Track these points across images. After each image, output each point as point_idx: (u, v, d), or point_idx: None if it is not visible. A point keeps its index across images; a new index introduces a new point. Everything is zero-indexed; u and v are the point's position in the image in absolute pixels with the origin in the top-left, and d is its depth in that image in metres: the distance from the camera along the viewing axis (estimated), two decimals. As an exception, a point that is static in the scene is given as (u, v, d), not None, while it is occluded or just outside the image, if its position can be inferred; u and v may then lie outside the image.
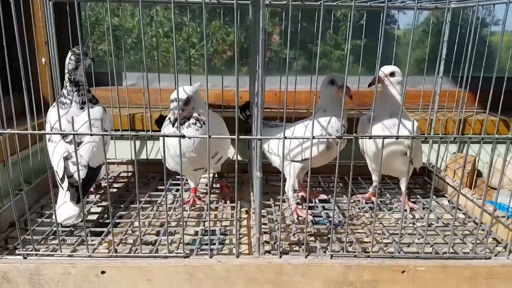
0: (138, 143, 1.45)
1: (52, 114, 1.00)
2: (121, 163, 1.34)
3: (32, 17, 1.23)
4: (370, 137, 0.72)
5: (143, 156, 1.43)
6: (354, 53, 1.51)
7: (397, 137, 0.74)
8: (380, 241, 0.96)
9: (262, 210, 0.95)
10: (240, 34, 1.59)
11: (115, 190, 1.21)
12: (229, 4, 1.26)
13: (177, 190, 1.22)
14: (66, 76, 0.99)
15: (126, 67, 1.58)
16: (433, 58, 1.28)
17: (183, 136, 0.73)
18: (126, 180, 1.29)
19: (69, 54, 0.99)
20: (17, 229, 0.79)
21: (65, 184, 0.90)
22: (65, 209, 0.90)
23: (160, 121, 1.22)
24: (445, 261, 0.82)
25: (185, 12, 1.55)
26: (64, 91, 1.00)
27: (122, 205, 1.09)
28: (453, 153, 1.44)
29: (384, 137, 0.72)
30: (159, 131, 1.05)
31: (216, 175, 1.26)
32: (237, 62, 0.66)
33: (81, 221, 0.96)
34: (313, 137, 0.72)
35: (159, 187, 1.22)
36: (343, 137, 0.73)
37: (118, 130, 1.29)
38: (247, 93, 1.31)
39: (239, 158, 1.47)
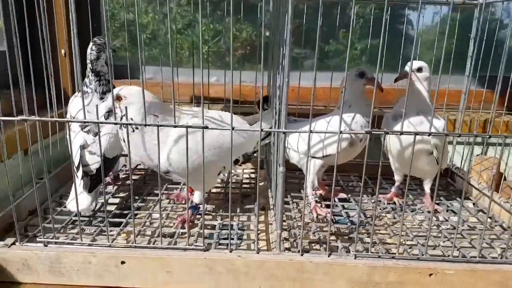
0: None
1: (73, 104, 1.00)
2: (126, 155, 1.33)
3: (54, 7, 1.23)
4: (401, 133, 0.69)
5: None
6: (369, 52, 1.49)
7: (429, 134, 0.71)
8: (404, 242, 0.93)
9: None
10: (251, 31, 1.58)
11: (132, 182, 1.21)
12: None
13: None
14: (88, 66, 0.99)
15: (143, 61, 1.58)
16: (455, 57, 1.24)
17: (206, 127, 0.71)
18: (143, 172, 1.28)
19: (91, 44, 0.99)
20: (39, 217, 0.79)
21: (80, 173, 0.90)
22: (78, 197, 0.90)
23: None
24: (474, 265, 0.79)
25: (197, 8, 1.55)
26: (86, 80, 1.00)
27: (139, 197, 1.09)
28: (477, 155, 1.40)
29: (416, 134, 0.69)
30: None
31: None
32: (262, 54, 0.64)
33: (93, 211, 0.97)
34: (341, 132, 0.70)
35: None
36: (372, 132, 0.71)
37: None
38: (261, 89, 1.29)
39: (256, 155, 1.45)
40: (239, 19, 1.62)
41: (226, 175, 1.28)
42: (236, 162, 0.98)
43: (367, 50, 1.51)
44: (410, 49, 1.26)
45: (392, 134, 0.69)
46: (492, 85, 1.10)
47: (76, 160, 0.92)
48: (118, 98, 0.82)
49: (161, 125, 0.72)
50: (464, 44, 1.26)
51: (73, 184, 0.94)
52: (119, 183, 1.17)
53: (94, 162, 0.93)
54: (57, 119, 0.81)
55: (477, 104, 1.32)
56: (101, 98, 1.00)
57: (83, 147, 0.93)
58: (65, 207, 0.94)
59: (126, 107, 0.79)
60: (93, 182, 0.93)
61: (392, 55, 1.27)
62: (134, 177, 1.24)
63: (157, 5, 1.56)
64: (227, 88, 1.39)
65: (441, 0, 1.19)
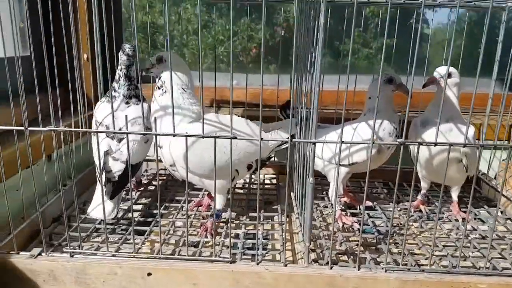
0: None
1: (99, 110, 1.00)
2: (160, 160, 1.33)
3: (78, 12, 1.24)
4: (436, 144, 0.67)
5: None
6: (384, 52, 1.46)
7: (465, 145, 0.68)
8: (432, 253, 0.90)
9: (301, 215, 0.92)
10: (266, 32, 1.56)
11: (153, 187, 1.21)
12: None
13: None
14: (123, 71, 0.98)
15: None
16: (471, 59, 1.21)
17: (235, 137, 0.70)
18: (165, 178, 1.28)
19: (127, 50, 0.97)
20: (65, 226, 0.78)
21: (103, 179, 0.90)
22: (99, 204, 0.90)
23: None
24: (508, 279, 0.76)
25: (212, 10, 1.54)
26: (115, 85, 0.99)
27: (161, 204, 1.08)
28: (503, 160, 1.35)
29: (451, 145, 0.67)
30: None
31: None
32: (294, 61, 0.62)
33: (115, 218, 0.96)
34: (373, 142, 0.67)
35: (196, 186, 1.20)
36: (406, 143, 0.68)
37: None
38: (282, 92, 1.27)
39: (276, 159, 1.44)
40: (253, 19, 1.60)
41: (248, 180, 1.27)
42: (250, 168, 0.96)
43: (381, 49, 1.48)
44: (425, 49, 1.23)
45: (427, 145, 0.66)
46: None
47: (100, 166, 0.91)
48: (159, 60, 0.89)
49: (189, 136, 0.71)
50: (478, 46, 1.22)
51: (96, 191, 0.95)
52: (141, 189, 1.17)
53: (117, 168, 0.93)
54: (85, 129, 0.80)
55: (496, 107, 1.28)
56: (127, 103, 0.99)
57: (107, 153, 0.92)
58: (88, 214, 0.94)
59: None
60: (115, 188, 0.93)
61: (405, 55, 1.25)
62: (156, 182, 1.24)
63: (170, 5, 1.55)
64: (247, 92, 1.37)
65: (469, 4, 1.15)
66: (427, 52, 1.24)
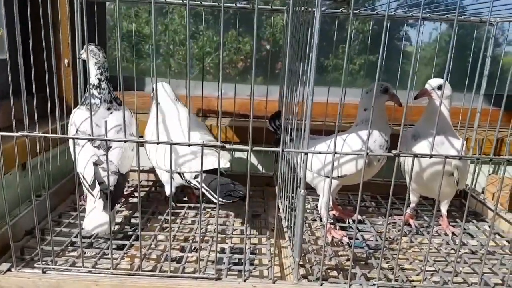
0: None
1: (77, 115, 0.95)
2: (142, 171, 1.28)
3: (59, 17, 1.19)
4: (431, 156, 0.65)
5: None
6: (366, 68, 1.48)
7: (460, 158, 0.66)
8: (424, 268, 0.88)
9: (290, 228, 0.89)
10: (251, 44, 1.55)
11: (135, 199, 1.15)
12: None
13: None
14: (102, 75, 0.94)
15: (146, 73, 1.54)
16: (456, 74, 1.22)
17: (223, 147, 0.66)
18: (147, 189, 1.23)
19: (101, 52, 0.94)
20: (37, 239, 0.73)
21: (96, 191, 0.84)
22: (95, 217, 0.84)
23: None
24: (500, 296, 0.74)
25: (199, 21, 1.52)
26: (94, 91, 0.94)
27: (144, 216, 1.03)
28: (489, 174, 1.36)
29: (446, 157, 0.65)
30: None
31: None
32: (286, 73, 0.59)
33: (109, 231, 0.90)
34: (367, 154, 0.65)
35: (183, 198, 1.16)
36: (401, 155, 0.66)
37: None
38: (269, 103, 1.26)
39: (264, 171, 1.41)
40: (240, 32, 1.59)
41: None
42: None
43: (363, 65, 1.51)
44: (407, 65, 1.25)
45: (423, 157, 0.65)
46: (499, 103, 1.08)
47: (88, 177, 0.85)
48: None
49: (175, 143, 0.67)
50: (463, 61, 1.23)
51: (87, 204, 0.88)
52: (122, 200, 1.11)
53: (111, 180, 0.86)
54: (62, 135, 0.76)
55: (483, 122, 1.29)
56: (108, 109, 0.96)
57: (96, 164, 0.86)
58: (83, 228, 0.86)
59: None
60: (112, 200, 0.86)
61: (388, 70, 1.26)
62: (137, 194, 1.18)
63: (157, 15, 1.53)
64: (235, 102, 1.34)
65: (458, 18, 1.17)
66: (411, 68, 1.25)
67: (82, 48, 1.05)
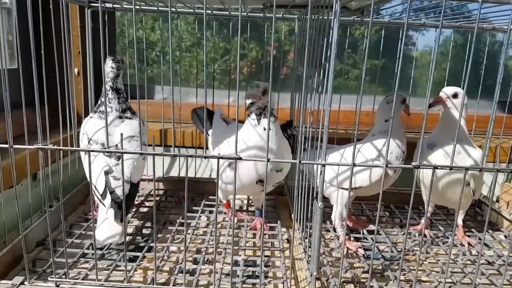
0: (168, 159, 1.38)
1: (89, 125, 0.94)
2: (152, 180, 1.27)
3: (70, 26, 1.19)
4: (451, 168, 0.63)
5: (173, 173, 1.37)
6: (371, 73, 1.46)
7: (481, 170, 0.65)
8: (439, 279, 0.86)
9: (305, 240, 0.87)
10: (257, 50, 1.53)
11: (146, 209, 1.14)
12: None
13: (211, 212, 1.15)
14: (108, 84, 0.94)
15: (155, 80, 1.54)
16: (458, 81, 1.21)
17: (240, 158, 0.65)
18: (157, 198, 1.22)
19: (110, 62, 0.94)
20: (51, 251, 0.72)
21: (107, 201, 0.83)
22: (107, 227, 0.83)
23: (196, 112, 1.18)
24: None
25: (206, 27, 1.52)
26: (104, 99, 0.94)
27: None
28: (503, 182, 1.34)
29: (467, 169, 0.64)
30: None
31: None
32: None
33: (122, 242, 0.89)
34: (387, 166, 0.64)
35: (194, 208, 1.14)
36: (420, 167, 0.65)
37: (151, 145, 1.25)
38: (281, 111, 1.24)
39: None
40: (245, 38, 1.59)
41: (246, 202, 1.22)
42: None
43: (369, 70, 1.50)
44: (410, 70, 1.24)
45: (442, 168, 0.63)
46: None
47: (100, 187, 0.85)
48: (266, 91, 0.87)
49: (190, 156, 0.66)
50: (472, 67, 1.23)
51: (99, 214, 0.87)
52: (133, 210, 1.10)
53: (119, 187, 0.86)
54: (78, 148, 0.75)
55: (497, 130, 1.27)
56: (120, 117, 0.96)
57: (107, 173, 0.86)
58: (96, 239, 0.85)
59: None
60: (121, 209, 0.85)
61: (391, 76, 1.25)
62: (148, 204, 1.17)
63: (163, 21, 1.53)
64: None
65: (470, 26, 1.15)
66: (412, 73, 1.24)
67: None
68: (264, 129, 0.87)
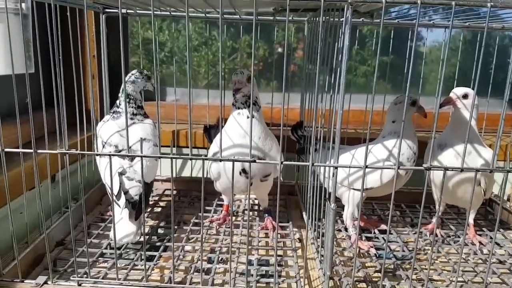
0: (180, 160, 1.41)
1: (104, 129, 0.97)
2: (165, 180, 1.30)
3: (86, 30, 1.22)
4: (462, 170, 0.65)
5: (185, 173, 1.39)
6: (380, 70, 1.46)
7: (491, 171, 0.66)
8: (451, 278, 0.87)
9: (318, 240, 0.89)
10: (265, 49, 1.55)
11: (159, 209, 1.17)
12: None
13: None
14: (128, 91, 1.00)
15: (167, 82, 1.56)
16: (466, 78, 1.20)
17: (254, 161, 0.67)
18: (171, 198, 1.24)
19: (137, 72, 1.01)
20: (73, 251, 0.74)
21: (122, 201, 0.86)
22: (122, 226, 0.86)
23: (208, 130, 1.19)
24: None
25: (212, 27, 1.54)
26: (117, 102, 1.01)
27: (171, 226, 1.04)
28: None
29: (477, 170, 0.65)
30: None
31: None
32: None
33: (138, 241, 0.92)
34: (398, 167, 0.65)
35: (206, 208, 1.17)
36: (431, 169, 0.66)
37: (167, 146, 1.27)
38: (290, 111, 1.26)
39: (282, 179, 1.41)
40: (252, 37, 1.60)
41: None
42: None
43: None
44: (419, 67, 1.25)
45: (453, 170, 0.64)
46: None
47: (115, 187, 0.87)
48: (249, 78, 0.89)
49: (207, 158, 0.68)
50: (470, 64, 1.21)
51: (112, 213, 0.90)
52: (148, 210, 1.13)
53: (133, 188, 0.89)
54: (99, 153, 0.78)
55: (508, 128, 1.27)
56: (131, 119, 1.00)
57: (121, 174, 0.89)
58: (111, 239, 0.89)
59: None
60: (137, 209, 0.88)
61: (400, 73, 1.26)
62: (162, 203, 1.20)
63: (171, 22, 1.55)
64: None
65: (480, 26, 1.15)
66: (422, 70, 1.24)
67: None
68: (248, 117, 0.89)
